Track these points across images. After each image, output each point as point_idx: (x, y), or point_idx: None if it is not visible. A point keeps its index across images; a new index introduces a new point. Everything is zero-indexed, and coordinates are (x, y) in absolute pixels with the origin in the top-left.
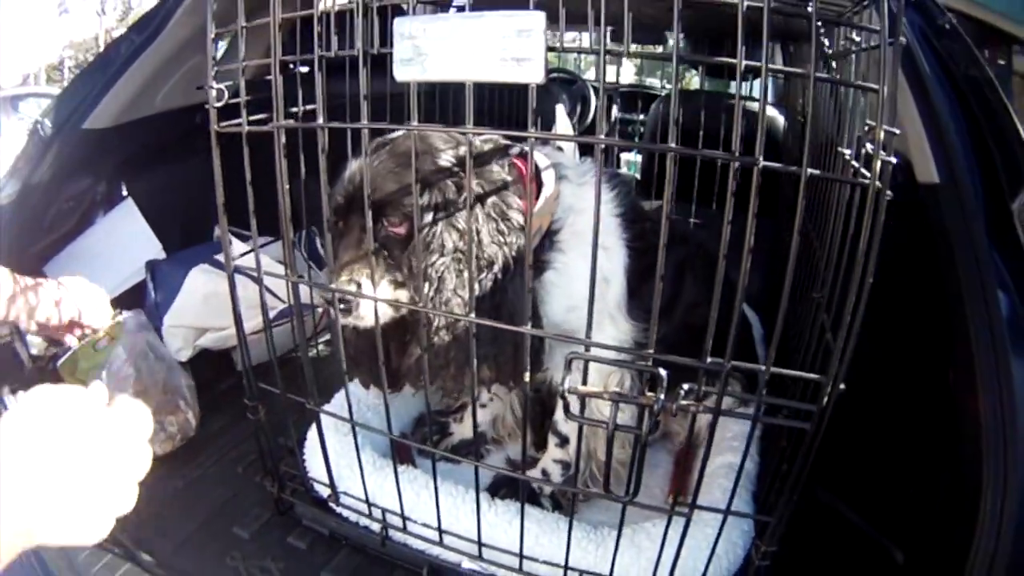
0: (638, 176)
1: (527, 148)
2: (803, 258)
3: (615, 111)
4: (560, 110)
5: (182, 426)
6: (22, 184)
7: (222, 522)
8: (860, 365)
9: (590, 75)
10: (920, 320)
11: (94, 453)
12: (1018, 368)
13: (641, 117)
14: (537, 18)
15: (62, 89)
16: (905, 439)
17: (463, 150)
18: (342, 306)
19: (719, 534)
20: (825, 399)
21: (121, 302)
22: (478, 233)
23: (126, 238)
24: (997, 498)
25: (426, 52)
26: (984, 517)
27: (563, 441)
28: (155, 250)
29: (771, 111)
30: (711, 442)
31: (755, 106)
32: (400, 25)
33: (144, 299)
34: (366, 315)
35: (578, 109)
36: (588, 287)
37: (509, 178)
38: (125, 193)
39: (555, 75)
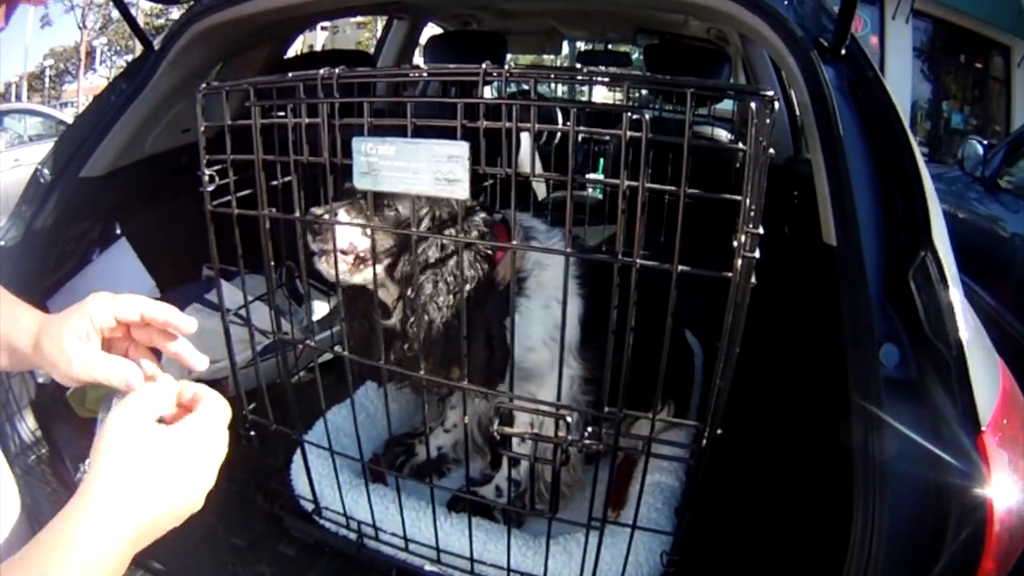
0: (599, 197)
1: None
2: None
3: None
4: (525, 138)
5: None
6: (25, 228)
7: (222, 533)
8: (773, 401)
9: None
10: (824, 366)
11: (193, 451)
12: (891, 417)
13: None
14: (463, 147)
15: (59, 137)
16: (810, 466)
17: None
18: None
19: (630, 543)
20: (704, 441)
21: None
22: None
23: (121, 275)
24: (867, 518)
25: (378, 168)
26: (856, 530)
27: (514, 463)
28: (149, 287)
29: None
30: (646, 466)
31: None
32: (356, 143)
33: None
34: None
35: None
36: (538, 336)
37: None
38: (119, 232)
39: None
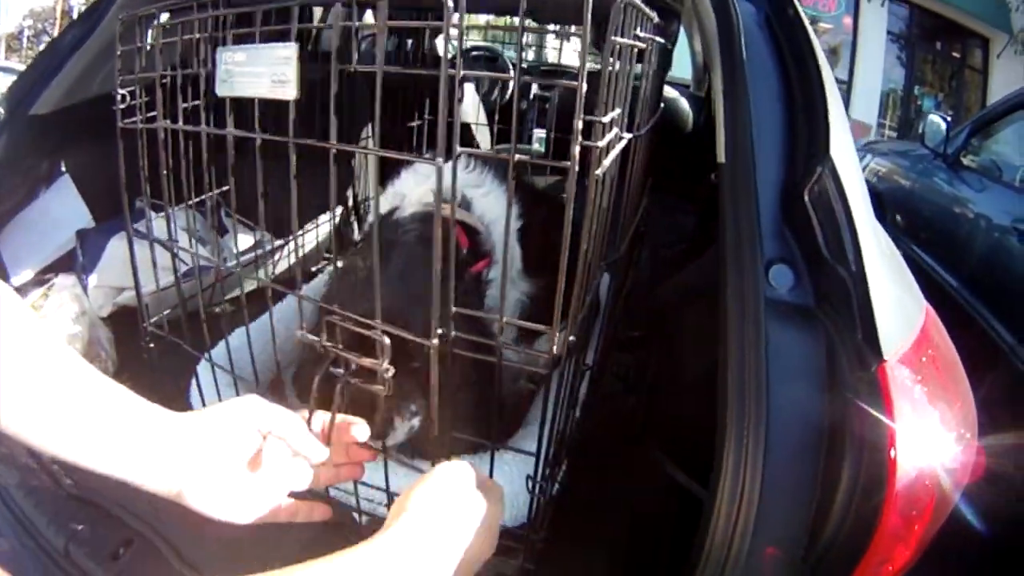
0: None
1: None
2: None
3: (534, 88)
4: (469, 88)
5: (103, 371)
6: None
7: None
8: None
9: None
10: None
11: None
12: (779, 343)
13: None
14: (292, 49)
15: (15, 77)
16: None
17: None
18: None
19: (491, 463)
20: (554, 350)
21: (58, 266)
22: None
23: (63, 210)
24: (739, 458)
25: (233, 74)
26: (725, 472)
27: None
28: (86, 220)
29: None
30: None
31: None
32: (219, 53)
33: (74, 263)
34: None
35: (498, 85)
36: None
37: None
38: (64, 169)
39: (477, 53)
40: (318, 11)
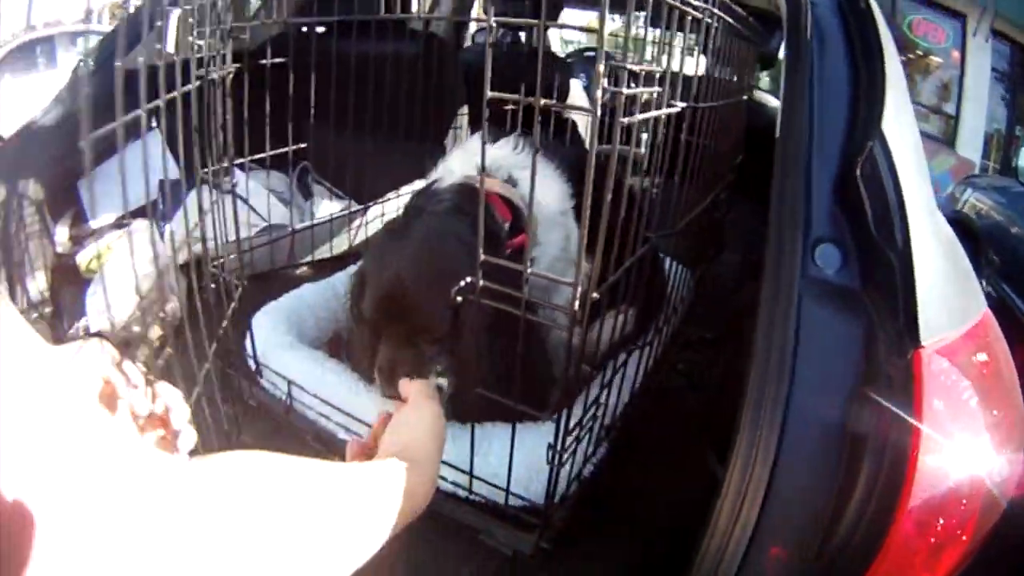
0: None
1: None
2: None
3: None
4: (576, 84)
5: (171, 313)
6: (64, 111)
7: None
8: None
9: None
10: None
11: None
12: (812, 322)
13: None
14: None
15: (107, 32)
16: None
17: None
18: None
19: (513, 438)
20: (577, 303)
21: (137, 213)
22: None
23: (148, 161)
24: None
25: None
26: (737, 454)
27: None
28: (172, 173)
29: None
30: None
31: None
32: None
33: (154, 211)
34: None
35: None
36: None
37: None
38: (154, 125)
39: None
40: None
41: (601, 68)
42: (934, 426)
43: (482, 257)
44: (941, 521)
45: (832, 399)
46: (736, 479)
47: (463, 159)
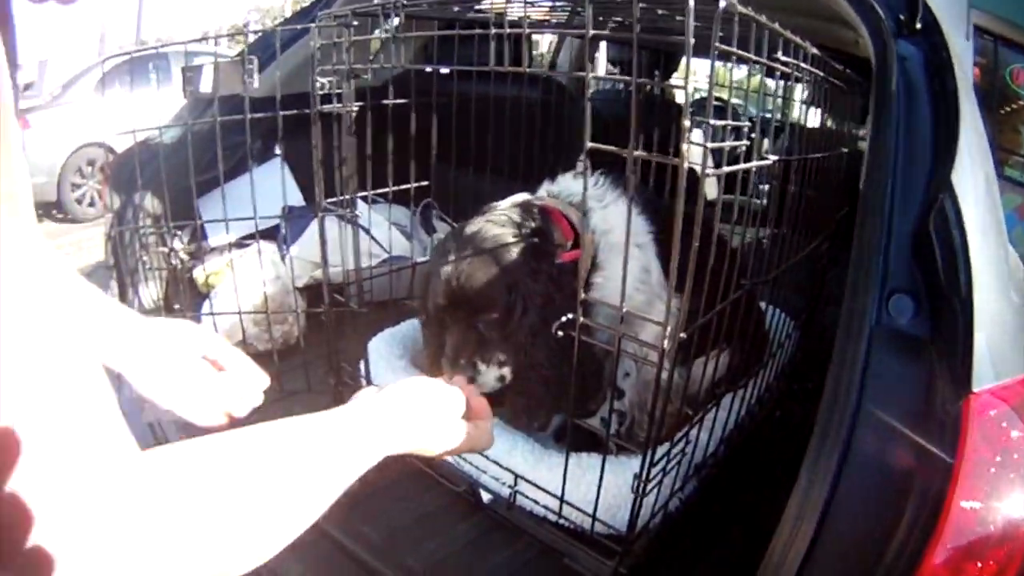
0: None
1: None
2: None
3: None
4: (697, 134)
5: (285, 334)
6: (183, 130)
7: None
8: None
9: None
10: None
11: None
12: (879, 372)
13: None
14: None
15: (231, 58)
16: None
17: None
18: None
19: (604, 466)
20: (666, 342)
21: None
22: (552, 302)
23: (270, 186)
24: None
25: None
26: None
27: (619, 395)
28: (296, 200)
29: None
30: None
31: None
32: None
33: (276, 235)
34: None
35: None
36: (630, 280)
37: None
38: (278, 152)
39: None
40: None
41: (687, 123)
42: (974, 471)
43: (582, 296)
44: (979, 565)
45: (889, 441)
46: (793, 512)
47: (545, 188)
